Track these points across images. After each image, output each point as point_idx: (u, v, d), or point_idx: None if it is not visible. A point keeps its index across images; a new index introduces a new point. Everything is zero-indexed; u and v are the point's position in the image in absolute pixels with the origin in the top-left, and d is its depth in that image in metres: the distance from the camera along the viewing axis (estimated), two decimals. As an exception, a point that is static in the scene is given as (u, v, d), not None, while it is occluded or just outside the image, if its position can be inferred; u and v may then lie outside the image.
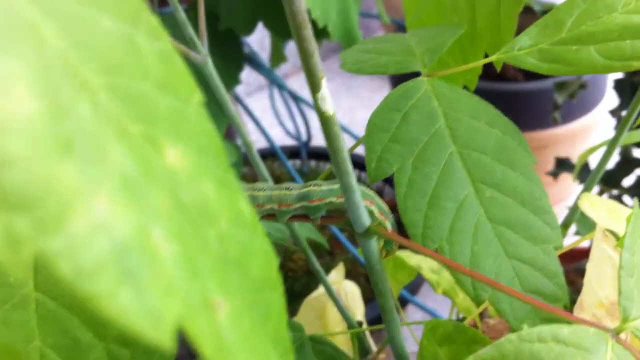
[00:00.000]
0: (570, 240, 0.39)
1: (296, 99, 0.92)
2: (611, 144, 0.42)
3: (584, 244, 0.57)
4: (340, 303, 0.41)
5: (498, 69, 0.33)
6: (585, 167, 0.70)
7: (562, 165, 0.75)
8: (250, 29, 0.71)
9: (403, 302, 0.75)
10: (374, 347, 0.42)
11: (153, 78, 0.13)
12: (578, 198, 0.36)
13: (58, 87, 0.11)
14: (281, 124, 1.00)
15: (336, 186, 0.31)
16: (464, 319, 0.48)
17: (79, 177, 0.10)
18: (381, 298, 0.32)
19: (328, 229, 0.84)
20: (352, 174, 0.26)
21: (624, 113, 0.68)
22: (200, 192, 0.13)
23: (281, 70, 1.39)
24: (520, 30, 0.31)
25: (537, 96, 0.93)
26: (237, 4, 0.69)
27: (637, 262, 0.24)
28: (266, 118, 1.15)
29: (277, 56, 0.86)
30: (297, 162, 1.00)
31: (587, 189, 0.44)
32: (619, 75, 0.68)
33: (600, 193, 0.70)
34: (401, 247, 0.33)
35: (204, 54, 0.31)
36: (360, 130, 0.37)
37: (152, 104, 0.13)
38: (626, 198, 0.70)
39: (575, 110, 0.95)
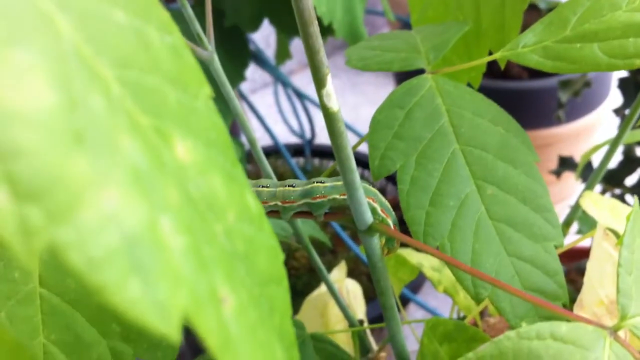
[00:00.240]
0: (572, 238, 0.39)
1: (300, 96, 0.92)
2: (614, 143, 0.42)
3: (587, 243, 0.57)
4: (341, 301, 0.41)
5: (502, 66, 0.33)
6: (588, 165, 0.69)
7: (565, 163, 0.75)
8: (255, 26, 0.71)
9: (404, 301, 0.75)
10: (374, 346, 0.42)
11: (163, 72, 0.13)
12: (580, 196, 0.36)
13: (72, 79, 0.11)
14: (285, 122, 1.00)
15: (339, 183, 0.31)
16: (464, 317, 0.48)
17: (90, 169, 0.10)
18: (382, 296, 0.32)
19: (330, 227, 0.84)
20: (355, 171, 0.26)
21: (627, 112, 0.68)
22: (208, 185, 0.14)
23: (286, 68, 1.39)
24: (525, 27, 0.31)
25: (541, 94, 0.93)
26: (243, 1, 0.69)
27: (636, 260, 0.24)
28: (270, 115, 1.15)
29: (283, 53, 0.86)
30: (301, 160, 1.00)
31: (589, 187, 0.44)
32: (624, 73, 0.68)
33: (603, 192, 0.70)
34: (403, 244, 0.33)
35: (210, 51, 0.31)
36: (364, 128, 0.37)
37: (162, 97, 0.13)
38: (628, 197, 0.69)
39: (580, 108, 0.95)
